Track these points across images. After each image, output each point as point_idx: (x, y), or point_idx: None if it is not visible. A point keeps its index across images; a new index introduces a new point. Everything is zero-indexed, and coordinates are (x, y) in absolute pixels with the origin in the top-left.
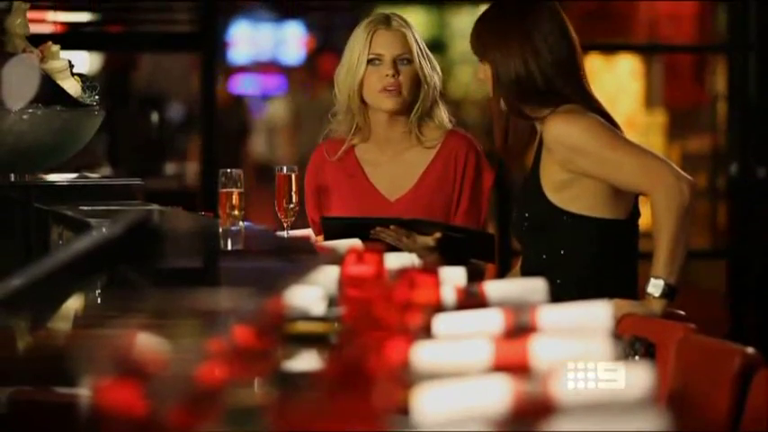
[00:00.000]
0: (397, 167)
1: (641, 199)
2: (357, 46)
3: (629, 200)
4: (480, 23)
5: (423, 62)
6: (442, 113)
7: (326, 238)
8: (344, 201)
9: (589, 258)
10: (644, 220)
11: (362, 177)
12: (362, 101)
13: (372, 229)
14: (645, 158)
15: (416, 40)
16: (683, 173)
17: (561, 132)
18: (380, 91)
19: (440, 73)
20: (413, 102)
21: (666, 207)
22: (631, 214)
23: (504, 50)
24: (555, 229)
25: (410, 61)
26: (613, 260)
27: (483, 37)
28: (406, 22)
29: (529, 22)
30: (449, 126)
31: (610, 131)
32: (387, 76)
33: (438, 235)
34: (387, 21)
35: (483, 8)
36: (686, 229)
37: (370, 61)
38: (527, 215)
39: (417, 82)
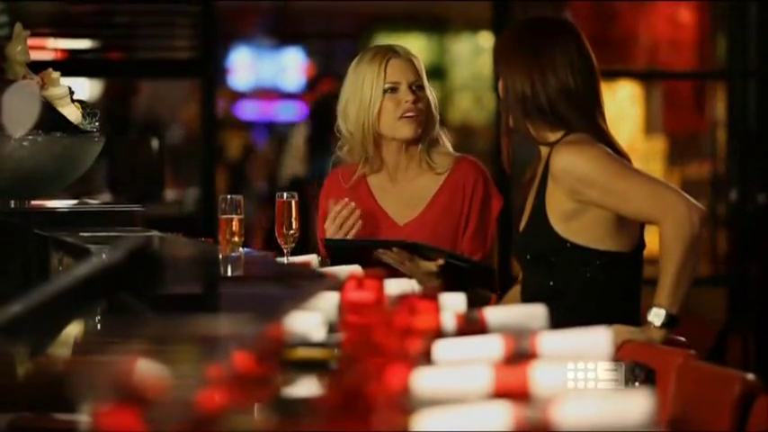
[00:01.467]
0: (406, 192)
1: (647, 227)
2: (369, 78)
3: (634, 232)
4: (501, 37)
5: (430, 89)
6: (445, 138)
7: (330, 259)
8: None
9: (593, 290)
10: (650, 247)
11: (372, 201)
12: (377, 132)
13: (375, 251)
14: (654, 188)
15: (423, 67)
16: (694, 202)
17: (568, 163)
18: (400, 118)
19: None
20: (426, 128)
21: (675, 237)
22: (636, 246)
23: (512, 67)
24: (559, 259)
25: (422, 87)
26: (617, 292)
27: (498, 50)
28: (408, 50)
29: (544, 45)
30: (453, 151)
31: (617, 161)
32: (406, 102)
33: (441, 261)
34: (393, 50)
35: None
36: (693, 261)
37: (386, 90)
38: (531, 244)
39: (429, 108)
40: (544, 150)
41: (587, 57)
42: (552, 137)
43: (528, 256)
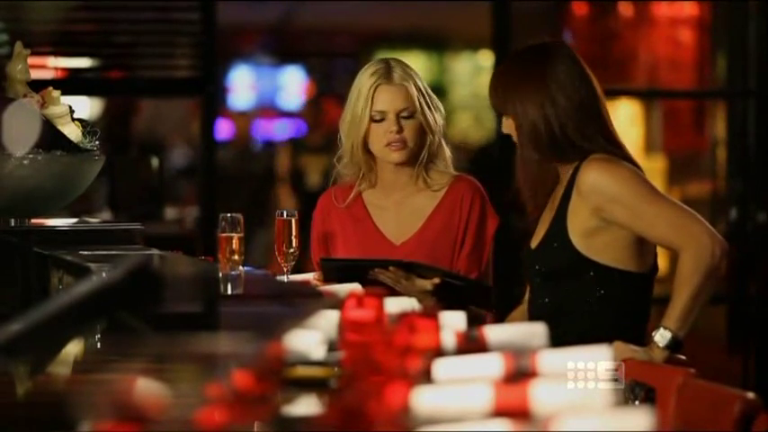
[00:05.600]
0: (402, 211)
1: (659, 251)
2: (360, 100)
3: (651, 254)
4: (497, 77)
5: (426, 112)
6: (447, 153)
7: (326, 279)
8: (349, 244)
9: (603, 309)
10: (661, 264)
11: (368, 221)
12: (368, 151)
13: (371, 270)
14: (680, 215)
15: (419, 89)
16: (716, 233)
17: (599, 180)
18: (386, 146)
19: (443, 112)
20: (419, 151)
21: (695, 266)
22: (651, 269)
23: (521, 100)
24: (575, 276)
25: (412, 114)
26: (626, 313)
27: (501, 90)
28: (407, 72)
29: (545, 69)
30: (453, 170)
31: (647, 184)
32: (391, 132)
33: (436, 280)
34: (388, 74)
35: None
36: (708, 290)
37: (372, 118)
38: (547, 259)
39: (422, 132)
40: (564, 171)
41: (584, 70)
42: (568, 168)
43: (542, 272)
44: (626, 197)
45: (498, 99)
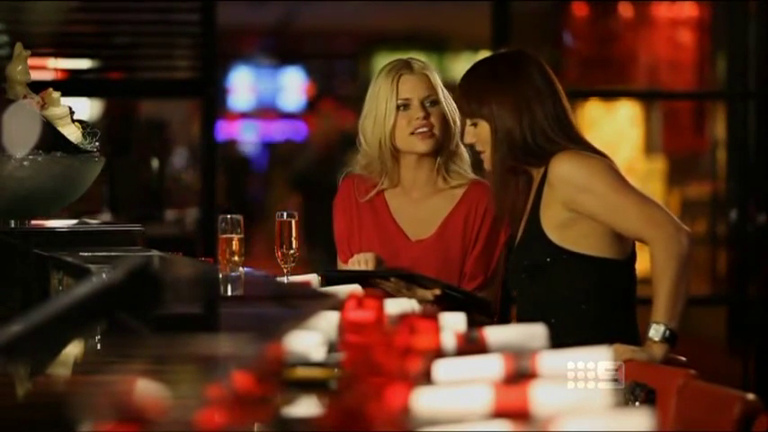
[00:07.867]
0: (420, 211)
1: (638, 244)
2: (383, 94)
3: (627, 241)
4: (471, 81)
5: (449, 101)
6: (465, 155)
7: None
8: (368, 236)
9: (588, 298)
10: (642, 266)
11: (387, 215)
12: (394, 147)
13: (373, 280)
14: (648, 207)
15: (439, 81)
16: (681, 224)
17: (568, 171)
18: (412, 134)
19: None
20: (443, 142)
21: (667, 256)
22: (630, 255)
23: (498, 104)
24: (555, 268)
25: (436, 102)
26: (612, 300)
27: (477, 93)
28: (426, 64)
29: (522, 78)
30: (471, 173)
31: (617, 175)
32: (417, 118)
33: (437, 291)
34: (409, 65)
35: (483, 54)
36: (686, 278)
37: (398, 107)
38: (527, 255)
39: (446, 122)
40: (536, 172)
41: (551, 77)
42: (540, 169)
43: (524, 268)
44: (594, 186)
45: (473, 102)
